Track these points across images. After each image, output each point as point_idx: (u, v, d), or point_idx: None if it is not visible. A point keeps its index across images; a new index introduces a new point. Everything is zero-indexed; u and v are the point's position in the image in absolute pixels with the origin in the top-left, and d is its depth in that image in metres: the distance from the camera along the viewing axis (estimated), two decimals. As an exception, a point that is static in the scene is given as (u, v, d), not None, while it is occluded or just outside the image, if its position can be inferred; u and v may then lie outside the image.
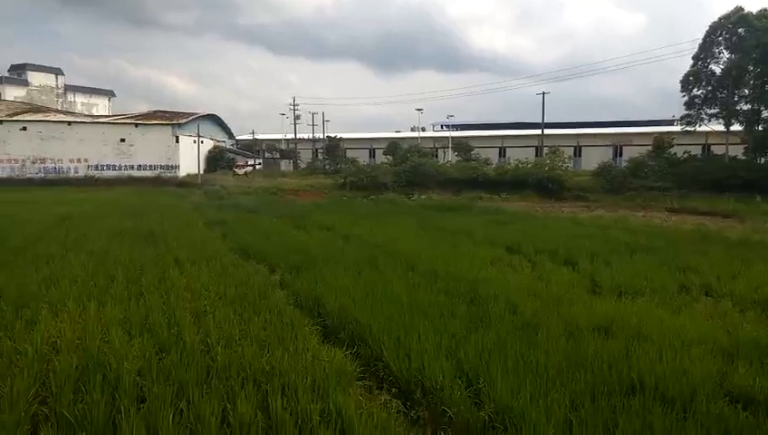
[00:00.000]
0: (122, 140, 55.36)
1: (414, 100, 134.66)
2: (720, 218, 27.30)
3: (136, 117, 60.65)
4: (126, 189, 42.73)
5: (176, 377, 5.40)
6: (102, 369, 5.58)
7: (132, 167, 54.59)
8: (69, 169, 54.74)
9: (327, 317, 7.84)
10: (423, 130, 78.31)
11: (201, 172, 53.43)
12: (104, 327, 6.95)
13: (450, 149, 62.08)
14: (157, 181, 50.93)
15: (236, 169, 57.51)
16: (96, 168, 54.44)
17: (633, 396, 5.19)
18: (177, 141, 55.16)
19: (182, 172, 54.29)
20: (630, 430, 4.55)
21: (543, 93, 56.52)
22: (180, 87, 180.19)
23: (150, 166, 54.63)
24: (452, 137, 65.44)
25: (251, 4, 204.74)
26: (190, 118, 58.62)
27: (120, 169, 54.51)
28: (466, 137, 65.11)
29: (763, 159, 42.78)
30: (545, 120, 57.45)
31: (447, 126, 75.68)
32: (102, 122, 59.45)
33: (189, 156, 54.74)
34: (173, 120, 57.53)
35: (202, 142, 56.27)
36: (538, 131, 59.02)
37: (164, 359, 5.89)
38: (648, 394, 5.19)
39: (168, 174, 53.77)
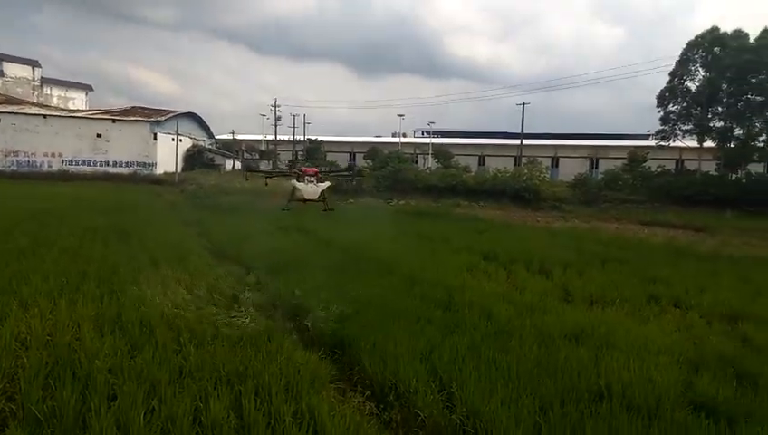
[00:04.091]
0: (99, 136, 54.53)
1: (396, 105, 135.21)
2: (692, 232, 27.92)
3: (113, 112, 59.72)
4: (101, 186, 41.98)
5: (148, 376, 5.34)
6: (73, 366, 5.49)
7: (108, 163, 53.84)
8: (42, 163, 53.73)
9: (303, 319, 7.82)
10: (404, 135, 78.64)
11: (179, 171, 52.81)
12: (75, 324, 6.85)
13: (430, 156, 62.37)
14: (133, 178, 50.31)
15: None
16: (71, 162, 53.56)
17: (601, 403, 5.29)
18: (155, 139, 54.51)
19: (159, 170, 53.64)
20: (597, 435, 4.65)
21: (524, 104, 57.49)
22: (160, 84, 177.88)
23: (127, 163, 53.92)
24: (432, 144, 65.78)
25: (233, 3, 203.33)
26: (169, 115, 57.98)
27: (95, 164, 53.72)
28: (447, 144, 65.46)
29: (734, 176, 43.95)
30: (524, 131, 58.17)
31: (428, 133, 76.04)
32: (79, 116, 58.41)
33: (167, 154, 54.08)
34: (151, 116, 56.87)
35: (180, 141, 55.60)
36: (517, 141, 59.70)
37: (136, 358, 5.83)
38: (615, 401, 5.30)
39: (145, 171, 53.15)
